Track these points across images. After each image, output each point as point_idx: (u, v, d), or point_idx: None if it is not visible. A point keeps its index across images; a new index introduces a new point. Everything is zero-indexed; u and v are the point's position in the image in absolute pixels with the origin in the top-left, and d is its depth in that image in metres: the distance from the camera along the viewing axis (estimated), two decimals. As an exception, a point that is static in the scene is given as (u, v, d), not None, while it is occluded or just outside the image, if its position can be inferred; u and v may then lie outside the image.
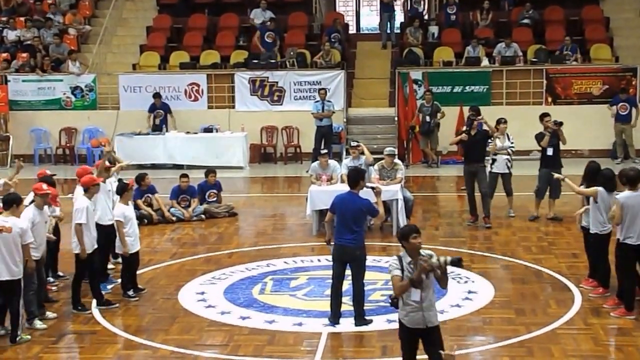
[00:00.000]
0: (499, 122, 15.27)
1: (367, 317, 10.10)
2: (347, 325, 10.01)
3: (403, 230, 7.59)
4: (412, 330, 7.52)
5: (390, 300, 7.63)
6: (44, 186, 10.35)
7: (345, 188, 14.10)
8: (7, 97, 23.15)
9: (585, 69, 22.45)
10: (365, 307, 10.37)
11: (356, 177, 10.19)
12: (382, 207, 10.67)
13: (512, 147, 15.27)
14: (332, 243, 10.13)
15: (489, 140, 15.04)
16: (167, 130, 22.20)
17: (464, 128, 15.20)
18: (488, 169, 15.18)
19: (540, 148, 15.03)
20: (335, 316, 10.09)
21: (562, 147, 15.01)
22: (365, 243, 13.09)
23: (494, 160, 15.20)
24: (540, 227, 14.82)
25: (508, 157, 15.16)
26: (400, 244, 7.51)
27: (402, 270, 7.37)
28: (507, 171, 15.17)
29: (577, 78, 22.22)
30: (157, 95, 22.33)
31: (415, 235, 7.40)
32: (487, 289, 11.33)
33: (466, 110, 19.36)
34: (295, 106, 22.66)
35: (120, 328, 10.11)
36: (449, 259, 7.28)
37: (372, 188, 10.56)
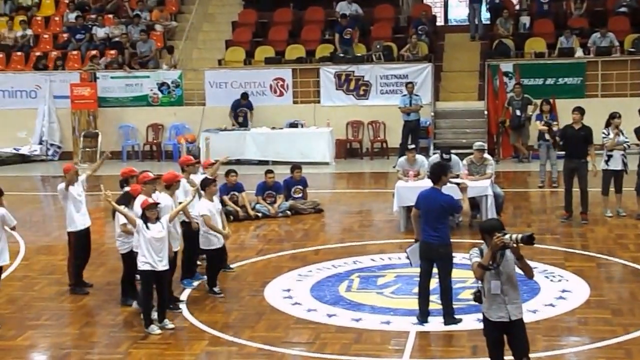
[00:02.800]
0: (612, 116, 14.64)
1: (456, 316, 9.83)
2: (435, 324, 9.78)
3: (486, 224, 7.42)
4: (496, 324, 7.30)
5: (473, 295, 7.44)
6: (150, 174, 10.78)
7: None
8: (96, 94, 23.56)
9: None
10: (454, 306, 10.11)
11: (438, 173, 9.97)
12: (467, 203, 10.34)
13: (627, 142, 14.64)
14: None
15: (604, 137, 14.48)
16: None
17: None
18: (603, 165, 14.61)
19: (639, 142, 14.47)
20: (423, 315, 9.87)
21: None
22: (455, 240, 12.80)
23: (609, 157, 14.57)
24: (639, 224, 14.28)
25: (624, 152, 14.56)
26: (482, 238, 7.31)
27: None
28: (623, 168, 14.60)
29: (680, 67, 21.40)
30: (244, 96, 22.36)
31: (498, 235, 7.13)
32: (582, 288, 10.94)
33: (559, 102, 18.93)
34: (381, 100, 22.46)
35: (207, 324, 10.07)
36: (519, 236, 7.04)
37: (457, 184, 10.21)
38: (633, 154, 14.82)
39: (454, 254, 12.61)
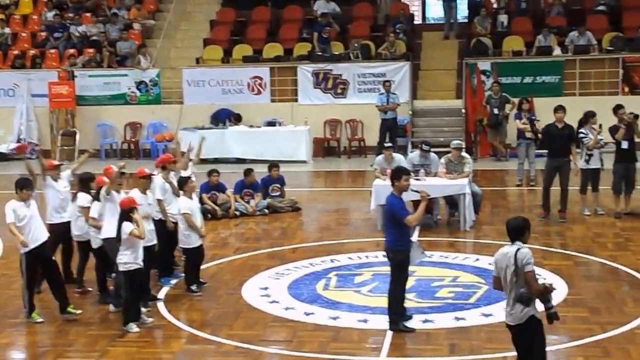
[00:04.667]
0: (589, 115, 14.68)
1: (407, 325, 9.57)
2: (413, 322, 9.73)
3: (518, 224, 7.39)
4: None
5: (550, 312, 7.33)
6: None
7: (410, 182, 14.01)
8: (74, 93, 23.41)
9: (666, 56, 21.72)
10: (431, 305, 10.13)
11: (392, 177, 9.74)
12: (421, 212, 9.75)
13: (603, 139, 14.65)
14: None
15: (583, 136, 14.50)
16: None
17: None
18: (583, 165, 14.60)
19: (614, 141, 14.49)
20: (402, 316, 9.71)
21: (639, 139, 14.50)
22: (432, 239, 12.78)
23: (589, 156, 14.56)
24: (617, 222, 14.33)
25: (601, 151, 14.60)
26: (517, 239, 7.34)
27: None
28: (600, 166, 14.64)
29: (657, 67, 21.51)
30: (239, 118, 22.40)
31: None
32: (560, 287, 10.88)
33: (537, 100, 18.98)
34: (359, 99, 22.44)
35: (185, 323, 10.05)
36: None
37: (417, 192, 9.76)
38: (608, 152, 14.85)
39: (429, 253, 12.64)
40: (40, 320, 10.09)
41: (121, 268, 9.78)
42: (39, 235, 10.08)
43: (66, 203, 11.23)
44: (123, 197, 10.08)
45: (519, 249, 7.25)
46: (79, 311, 10.24)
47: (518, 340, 7.38)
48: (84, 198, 10.85)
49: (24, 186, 10.05)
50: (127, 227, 9.60)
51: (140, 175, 10.77)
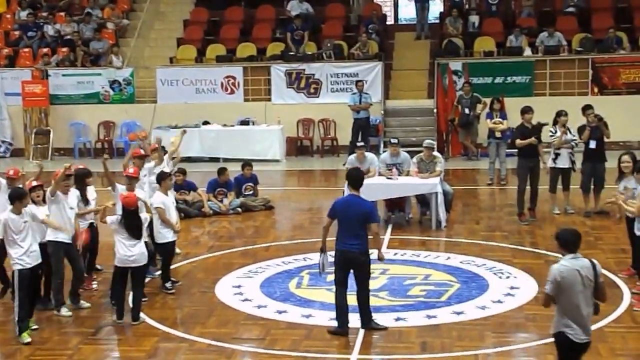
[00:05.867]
0: (559, 114, 14.75)
1: (379, 324, 9.61)
2: (385, 320, 9.82)
3: (569, 235, 7.20)
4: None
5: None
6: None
7: (382, 181, 14.16)
8: (47, 92, 23.33)
9: (634, 58, 21.95)
10: (403, 303, 10.22)
11: (360, 178, 9.67)
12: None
13: (575, 140, 14.75)
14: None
15: (551, 134, 14.66)
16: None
17: (534, 124, 14.57)
18: (550, 163, 14.74)
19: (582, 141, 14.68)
20: (343, 325, 9.47)
21: (608, 139, 14.69)
22: (404, 237, 12.89)
23: (557, 155, 14.71)
24: (586, 221, 14.47)
25: (571, 151, 14.76)
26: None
27: None
28: (570, 166, 14.77)
29: (625, 67, 21.79)
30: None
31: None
32: (530, 285, 11.07)
33: (508, 100, 19.15)
34: (332, 98, 22.54)
35: (158, 321, 10.07)
36: None
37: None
38: (580, 152, 15.01)
39: (404, 251, 12.80)
40: (28, 340, 9.51)
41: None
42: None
43: None
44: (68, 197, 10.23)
45: (593, 262, 7.14)
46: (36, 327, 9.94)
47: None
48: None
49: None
50: None
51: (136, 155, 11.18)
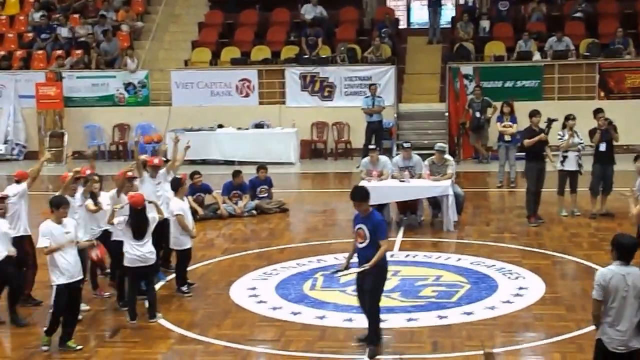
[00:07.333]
0: (567, 118, 14.92)
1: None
2: (397, 320, 9.99)
3: (635, 242, 6.95)
4: None
5: None
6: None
7: (395, 184, 14.35)
8: (61, 94, 23.49)
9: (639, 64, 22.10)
10: (414, 304, 10.42)
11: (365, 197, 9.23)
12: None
13: (582, 143, 14.95)
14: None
15: (559, 138, 14.85)
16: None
17: (543, 128, 14.67)
18: (558, 166, 14.92)
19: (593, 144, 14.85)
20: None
21: (617, 142, 14.86)
22: (416, 239, 13.07)
23: (564, 158, 14.90)
24: (592, 223, 14.65)
25: (578, 154, 14.92)
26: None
27: None
28: (577, 169, 14.93)
29: (630, 72, 21.93)
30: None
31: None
32: (538, 285, 11.25)
33: (517, 104, 19.29)
34: (345, 102, 22.69)
35: (174, 323, 10.17)
36: None
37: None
38: (587, 155, 15.18)
39: (416, 253, 12.97)
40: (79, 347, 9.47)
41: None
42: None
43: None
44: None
45: None
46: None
47: None
48: None
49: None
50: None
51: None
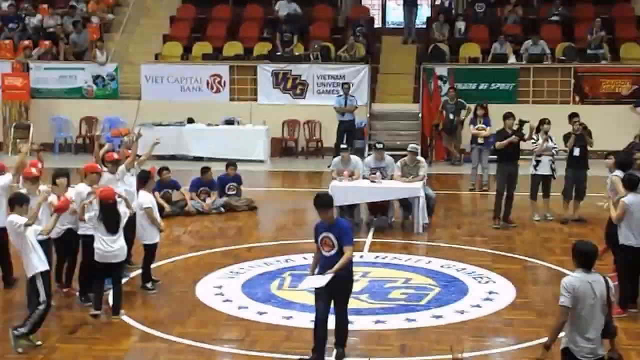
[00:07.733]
0: (542, 122, 14.92)
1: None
2: (365, 322, 9.88)
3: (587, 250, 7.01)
4: None
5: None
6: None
7: (366, 185, 14.20)
8: (28, 85, 23.16)
9: (615, 69, 22.18)
10: (383, 306, 10.31)
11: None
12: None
13: (556, 147, 14.97)
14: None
15: (533, 142, 14.81)
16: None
17: (515, 129, 14.63)
18: (531, 170, 14.91)
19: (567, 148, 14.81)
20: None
21: (591, 148, 14.86)
22: (387, 240, 12.93)
23: (538, 162, 14.87)
24: (564, 228, 14.62)
25: (552, 158, 14.89)
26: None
27: None
28: (551, 173, 14.90)
29: (605, 77, 21.97)
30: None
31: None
32: (508, 290, 11.17)
33: (491, 107, 19.22)
34: (318, 100, 22.52)
35: (137, 320, 10.04)
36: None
37: None
38: (561, 160, 15.15)
39: (385, 254, 12.85)
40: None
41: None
42: None
43: None
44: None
45: (606, 278, 6.99)
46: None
47: None
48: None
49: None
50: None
51: (91, 171, 10.69)
